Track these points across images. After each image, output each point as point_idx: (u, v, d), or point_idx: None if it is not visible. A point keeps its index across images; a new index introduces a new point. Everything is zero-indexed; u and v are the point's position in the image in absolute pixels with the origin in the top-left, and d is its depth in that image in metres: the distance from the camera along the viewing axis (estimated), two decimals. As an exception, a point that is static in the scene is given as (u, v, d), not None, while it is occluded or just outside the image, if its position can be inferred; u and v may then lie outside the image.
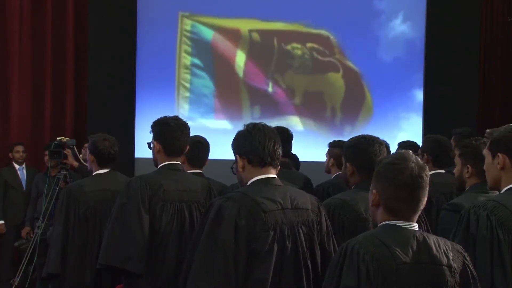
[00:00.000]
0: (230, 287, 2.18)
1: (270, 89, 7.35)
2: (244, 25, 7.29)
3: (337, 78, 7.43)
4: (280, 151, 2.44)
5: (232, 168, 2.52)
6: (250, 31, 7.29)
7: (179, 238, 2.98)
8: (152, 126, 3.18)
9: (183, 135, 3.14)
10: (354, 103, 7.44)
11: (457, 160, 3.11)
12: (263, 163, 2.39)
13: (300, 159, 5.94)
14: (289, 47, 7.35)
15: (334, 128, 7.38)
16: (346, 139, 3.05)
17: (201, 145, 3.93)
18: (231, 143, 2.50)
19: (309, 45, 7.37)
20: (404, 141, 4.99)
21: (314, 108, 7.42)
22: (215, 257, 2.19)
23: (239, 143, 2.45)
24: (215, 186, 3.41)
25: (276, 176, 2.42)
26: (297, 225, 2.33)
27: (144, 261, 2.91)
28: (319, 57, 7.38)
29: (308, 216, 2.38)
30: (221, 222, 2.23)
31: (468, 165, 3.00)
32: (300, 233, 2.33)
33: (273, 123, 5.55)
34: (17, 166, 6.60)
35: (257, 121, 2.50)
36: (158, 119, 3.19)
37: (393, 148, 4.79)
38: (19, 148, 6.61)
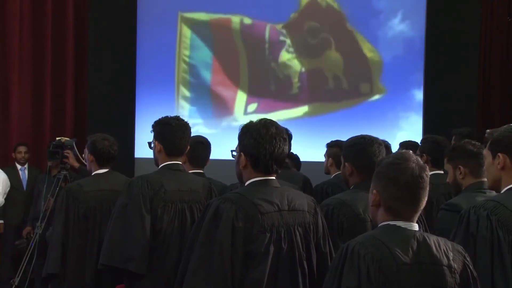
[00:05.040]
0: None
1: (270, 88, 7.35)
2: (239, 20, 7.27)
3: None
4: (286, 155, 2.41)
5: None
6: (243, 26, 7.27)
7: (180, 238, 2.98)
8: (153, 126, 3.18)
9: (184, 135, 3.14)
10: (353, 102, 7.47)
11: (447, 166, 3.14)
12: (267, 171, 2.36)
13: (300, 159, 5.93)
14: (287, 41, 7.36)
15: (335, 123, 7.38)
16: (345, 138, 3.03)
17: (203, 145, 3.94)
18: (238, 134, 2.40)
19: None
20: (406, 141, 4.98)
21: (315, 109, 7.43)
22: (212, 258, 2.19)
23: (247, 143, 2.35)
24: (216, 186, 3.41)
25: (274, 178, 2.40)
26: (294, 226, 2.32)
27: (145, 262, 2.91)
28: (319, 57, 7.39)
29: (305, 217, 2.37)
30: (218, 224, 2.22)
31: (459, 166, 3.03)
32: (297, 234, 2.32)
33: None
34: (19, 167, 6.61)
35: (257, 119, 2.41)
36: (159, 119, 3.19)
37: (394, 148, 4.79)
38: (22, 148, 6.62)
